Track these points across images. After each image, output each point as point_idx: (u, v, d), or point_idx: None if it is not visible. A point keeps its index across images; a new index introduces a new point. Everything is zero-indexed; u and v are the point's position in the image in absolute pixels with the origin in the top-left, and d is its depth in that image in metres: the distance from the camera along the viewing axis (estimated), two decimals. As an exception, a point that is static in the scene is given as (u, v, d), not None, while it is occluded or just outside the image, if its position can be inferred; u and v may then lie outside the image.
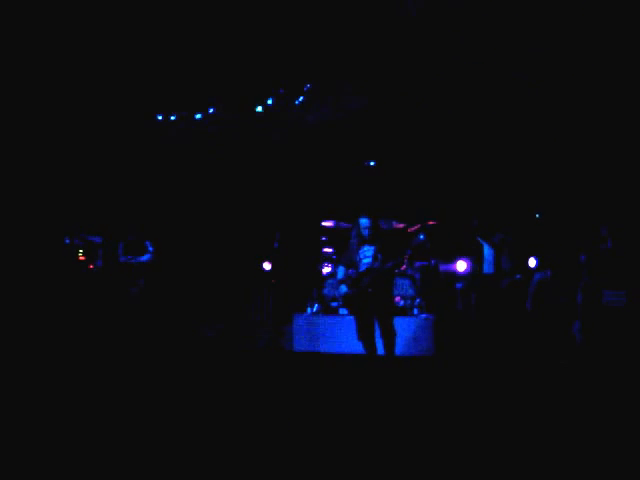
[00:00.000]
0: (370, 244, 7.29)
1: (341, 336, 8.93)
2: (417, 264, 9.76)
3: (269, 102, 8.10)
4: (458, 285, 9.73)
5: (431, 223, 10.10)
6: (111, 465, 3.84)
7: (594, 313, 7.15)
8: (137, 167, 10.65)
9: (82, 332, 8.46)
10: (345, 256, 7.57)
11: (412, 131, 12.16)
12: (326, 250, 10.37)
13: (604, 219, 7.90)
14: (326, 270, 10.08)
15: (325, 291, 9.49)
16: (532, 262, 9.18)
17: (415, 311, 9.03)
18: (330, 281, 9.52)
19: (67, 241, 9.44)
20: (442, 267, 9.40)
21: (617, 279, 7.17)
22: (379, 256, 7.11)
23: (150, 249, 9.34)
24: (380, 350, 7.41)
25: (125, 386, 6.10)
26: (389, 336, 7.28)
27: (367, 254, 7.26)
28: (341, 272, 7.58)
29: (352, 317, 9.05)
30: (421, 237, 8.69)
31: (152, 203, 10.19)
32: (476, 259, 9.22)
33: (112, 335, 8.58)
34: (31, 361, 6.88)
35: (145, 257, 9.29)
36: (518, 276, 8.20)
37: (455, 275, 9.69)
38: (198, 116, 8.32)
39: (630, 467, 3.71)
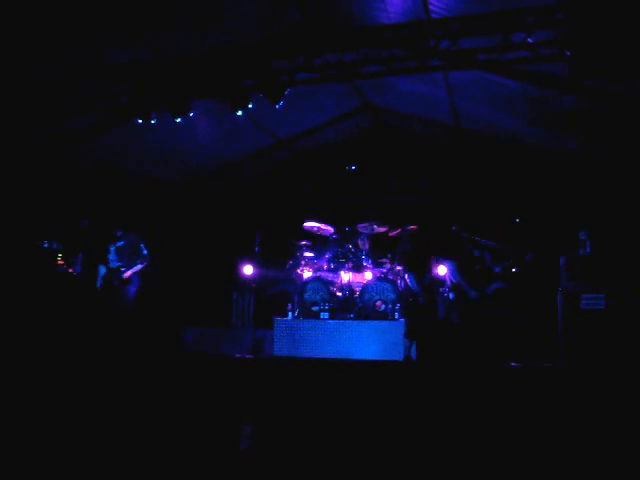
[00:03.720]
0: None
1: (322, 341, 8.91)
2: (398, 269, 9.79)
3: (250, 106, 8.04)
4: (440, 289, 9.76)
5: (412, 227, 10.13)
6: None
7: (573, 316, 7.20)
8: (119, 169, 10.60)
9: (59, 338, 8.38)
10: None
11: (395, 135, 12.24)
12: (307, 254, 10.34)
13: (583, 223, 7.97)
14: (307, 274, 10.06)
15: (306, 296, 9.44)
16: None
17: (396, 315, 9.03)
18: (311, 285, 9.49)
19: (45, 244, 9.32)
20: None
21: (596, 283, 7.23)
22: None
23: (144, 252, 9.16)
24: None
25: (108, 390, 6.05)
26: None
27: None
28: None
29: (332, 322, 9.10)
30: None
31: (131, 207, 10.10)
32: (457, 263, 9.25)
33: (91, 341, 8.50)
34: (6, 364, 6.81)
35: (139, 265, 9.09)
36: (473, 294, 8.18)
37: (436, 279, 9.71)
38: (178, 120, 8.22)
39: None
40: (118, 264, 8.98)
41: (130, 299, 8.99)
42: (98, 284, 8.97)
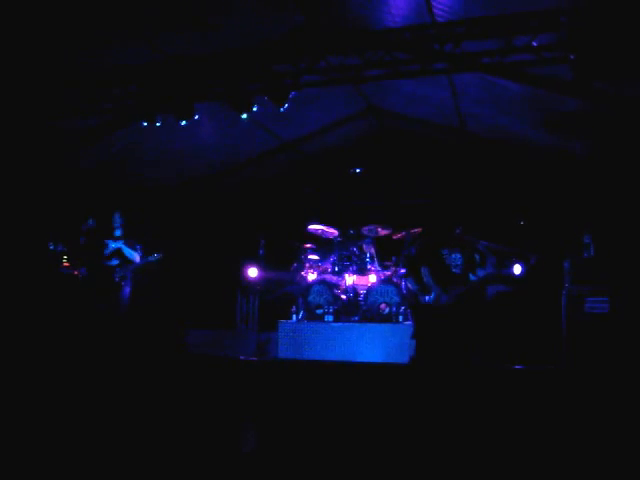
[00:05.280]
0: None
1: (326, 343, 8.93)
2: (402, 272, 9.78)
3: (254, 109, 8.07)
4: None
5: (416, 230, 10.13)
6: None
7: (577, 319, 7.19)
8: (123, 171, 10.63)
9: (65, 339, 8.40)
10: None
11: (400, 138, 12.24)
12: (311, 257, 10.36)
13: (587, 226, 7.96)
14: (311, 277, 10.07)
15: (310, 298, 9.46)
16: (517, 269, 9.21)
17: (400, 318, 9.04)
18: (315, 288, 9.51)
19: (51, 246, 9.34)
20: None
21: (600, 286, 7.21)
22: None
23: (136, 258, 9.11)
24: None
25: (113, 391, 6.06)
26: None
27: None
28: None
29: (337, 324, 9.11)
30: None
31: (136, 209, 10.12)
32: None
33: (95, 343, 8.51)
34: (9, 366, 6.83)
35: (131, 268, 9.05)
36: (444, 298, 8.14)
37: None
38: (183, 122, 8.25)
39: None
40: (115, 262, 8.96)
41: (125, 299, 8.98)
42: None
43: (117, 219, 9.11)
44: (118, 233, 9.09)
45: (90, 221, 8.91)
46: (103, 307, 8.85)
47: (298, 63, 7.74)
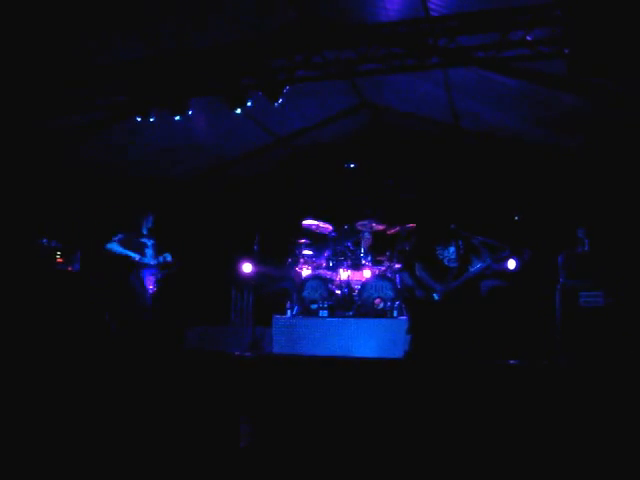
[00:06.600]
0: None
1: (320, 339, 8.92)
2: (397, 267, 9.79)
3: (248, 104, 8.05)
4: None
5: (410, 225, 10.13)
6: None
7: (572, 313, 7.21)
8: (117, 167, 10.59)
9: (59, 335, 8.37)
10: None
11: (394, 133, 12.24)
12: (306, 252, 10.34)
13: (581, 221, 7.98)
14: (305, 272, 10.06)
15: (305, 293, 9.45)
16: (512, 264, 9.21)
17: (395, 313, 9.04)
18: (309, 283, 9.50)
19: (44, 242, 9.29)
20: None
21: (594, 280, 7.23)
22: None
23: (169, 259, 9.04)
24: None
25: (109, 388, 6.05)
26: None
27: None
28: None
29: (331, 320, 9.10)
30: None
31: (130, 206, 10.09)
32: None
33: (91, 340, 8.49)
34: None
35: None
36: (436, 295, 8.07)
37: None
38: (177, 118, 8.22)
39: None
40: (155, 261, 8.91)
41: (149, 299, 8.94)
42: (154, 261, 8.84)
43: (149, 221, 9.08)
44: (145, 232, 9.07)
45: (150, 216, 8.86)
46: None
47: (293, 58, 7.72)
